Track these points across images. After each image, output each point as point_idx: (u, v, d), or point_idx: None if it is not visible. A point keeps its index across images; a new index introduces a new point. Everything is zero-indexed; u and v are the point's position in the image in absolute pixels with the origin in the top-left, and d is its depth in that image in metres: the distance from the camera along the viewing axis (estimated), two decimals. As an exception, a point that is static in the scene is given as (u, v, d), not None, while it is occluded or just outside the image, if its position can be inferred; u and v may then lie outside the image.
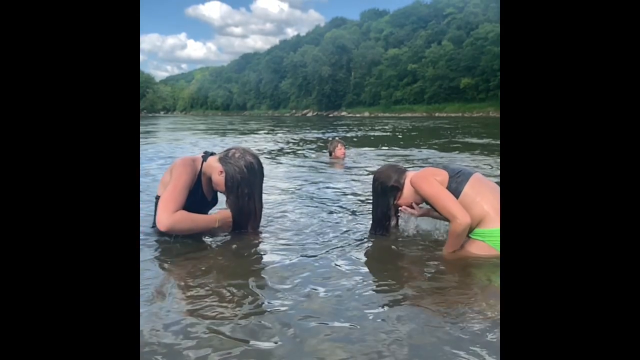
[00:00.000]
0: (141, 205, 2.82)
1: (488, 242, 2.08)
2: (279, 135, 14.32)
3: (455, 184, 2.13)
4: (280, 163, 6.51)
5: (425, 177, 2.16)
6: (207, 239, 2.39)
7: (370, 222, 2.53)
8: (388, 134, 15.25)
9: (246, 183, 2.34)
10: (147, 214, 2.59)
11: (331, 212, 3.11)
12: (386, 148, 9.12)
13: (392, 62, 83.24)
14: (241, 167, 2.33)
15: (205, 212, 2.56)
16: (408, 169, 2.44)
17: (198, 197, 2.41)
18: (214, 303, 1.63)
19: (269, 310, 1.58)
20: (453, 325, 1.48)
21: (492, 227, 2.07)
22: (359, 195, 3.84)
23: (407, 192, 2.32)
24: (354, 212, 3.12)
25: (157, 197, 2.39)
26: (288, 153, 8.23)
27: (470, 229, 2.11)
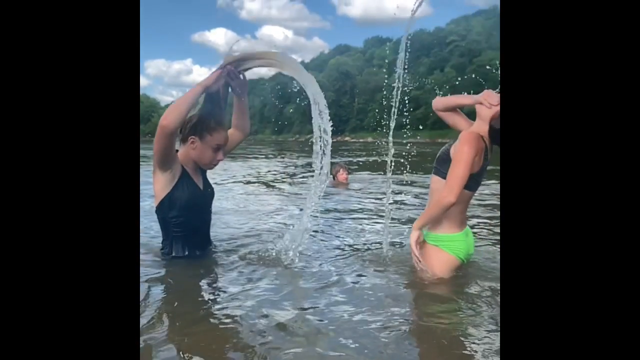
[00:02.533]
0: (150, 232, 2.80)
1: (443, 247, 2.17)
2: (287, 159, 14.35)
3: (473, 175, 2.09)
4: (278, 189, 6.49)
5: (470, 142, 2.02)
6: (207, 274, 2.37)
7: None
8: (394, 159, 15.24)
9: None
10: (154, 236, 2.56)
11: (327, 239, 3.08)
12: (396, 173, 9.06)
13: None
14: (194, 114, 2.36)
15: (208, 204, 2.54)
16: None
17: (193, 188, 2.38)
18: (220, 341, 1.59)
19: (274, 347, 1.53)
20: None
21: (449, 232, 2.17)
22: (355, 219, 3.81)
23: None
24: (347, 238, 3.09)
25: (156, 209, 2.36)
26: (294, 175, 8.23)
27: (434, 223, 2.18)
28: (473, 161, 2.02)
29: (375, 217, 3.93)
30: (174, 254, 2.38)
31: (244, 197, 5.28)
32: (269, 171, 9.48)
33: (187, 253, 2.39)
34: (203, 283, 2.15)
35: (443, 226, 2.17)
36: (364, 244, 2.90)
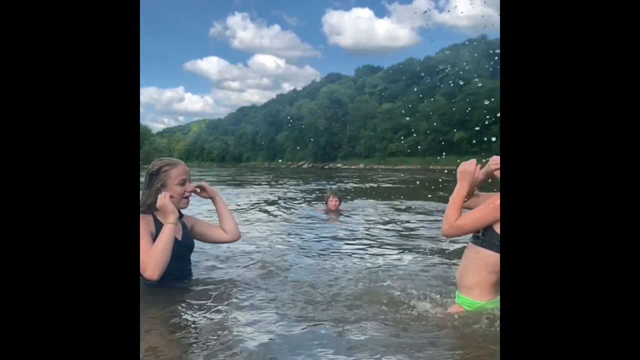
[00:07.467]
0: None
1: (466, 307, 2.02)
2: (290, 186, 14.35)
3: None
4: (274, 215, 6.47)
5: (493, 209, 1.90)
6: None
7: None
8: (389, 185, 15.33)
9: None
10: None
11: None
12: (395, 200, 9.09)
13: (387, 115, 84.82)
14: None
15: (186, 255, 2.49)
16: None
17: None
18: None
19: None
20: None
21: (481, 300, 2.00)
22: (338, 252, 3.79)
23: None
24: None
25: None
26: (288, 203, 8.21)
27: (467, 289, 2.03)
28: (492, 215, 1.91)
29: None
30: None
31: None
32: (262, 198, 9.46)
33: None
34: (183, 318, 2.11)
35: (476, 292, 2.01)
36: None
